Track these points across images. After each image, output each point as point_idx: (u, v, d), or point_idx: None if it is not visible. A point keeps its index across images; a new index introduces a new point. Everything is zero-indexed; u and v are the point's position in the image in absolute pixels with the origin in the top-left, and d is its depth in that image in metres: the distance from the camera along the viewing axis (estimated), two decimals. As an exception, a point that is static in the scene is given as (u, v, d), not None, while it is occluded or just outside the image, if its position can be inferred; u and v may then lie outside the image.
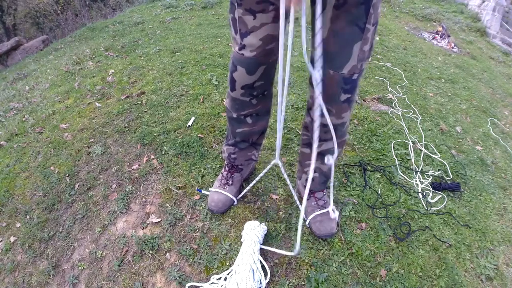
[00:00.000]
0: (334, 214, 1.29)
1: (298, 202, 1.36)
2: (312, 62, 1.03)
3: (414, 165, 1.80)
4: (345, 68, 0.96)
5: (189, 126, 1.90)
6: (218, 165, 1.63)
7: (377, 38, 3.53)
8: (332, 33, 0.92)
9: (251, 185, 1.32)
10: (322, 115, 1.09)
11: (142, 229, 1.40)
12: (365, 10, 0.88)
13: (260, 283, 1.15)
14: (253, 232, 1.23)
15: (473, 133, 2.26)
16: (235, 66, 1.08)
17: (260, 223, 1.29)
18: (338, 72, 0.97)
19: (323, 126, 1.13)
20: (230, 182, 1.41)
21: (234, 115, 1.24)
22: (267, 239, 1.31)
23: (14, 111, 2.50)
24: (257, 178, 1.29)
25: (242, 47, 1.03)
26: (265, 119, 1.31)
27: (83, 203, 1.55)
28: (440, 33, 4.33)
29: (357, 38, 0.92)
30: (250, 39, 1.00)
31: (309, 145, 1.28)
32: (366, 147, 1.85)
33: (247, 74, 1.07)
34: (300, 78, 2.42)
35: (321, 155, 1.24)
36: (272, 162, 1.12)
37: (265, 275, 1.18)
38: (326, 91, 1.03)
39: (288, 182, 1.22)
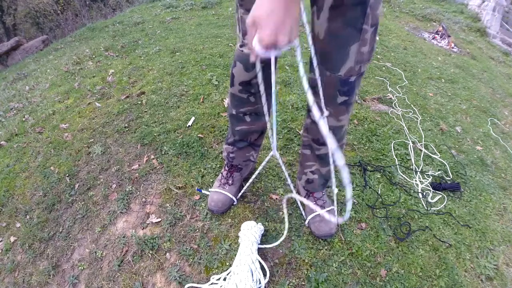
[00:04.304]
0: (334, 218, 1.29)
1: (297, 200, 1.36)
2: (311, 63, 1.03)
3: (414, 165, 1.80)
4: (342, 69, 0.96)
5: (189, 126, 1.90)
6: (218, 165, 1.63)
7: (377, 38, 3.53)
8: (329, 34, 0.92)
9: (250, 180, 1.32)
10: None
11: (142, 229, 1.40)
12: (361, 11, 0.86)
13: (259, 283, 1.14)
14: (250, 232, 1.23)
15: (473, 133, 2.26)
16: (235, 62, 1.11)
17: (257, 223, 1.29)
18: (334, 74, 0.97)
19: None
20: (230, 182, 1.41)
21: (234, 112, 1.26)
22: (267, 239, 1.31)
23: (14, 111, 2.50)
24: (256, 172, 1.29)
25: (243, 44, 1.06)
26: (264, 119, 1.31)
27: (83, 203, 1.55)
28: (440, 33, 4.33)
29: (354, 40, 0.91)
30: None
31: (309, 146, 1.28)
32: (366, 147, 1.85)
33: (245, 70, 1.09)
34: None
35: (320, 158, 1.24)
36: (270, 154, 1.12)
37: (264, 275, 1.18)
38: (324, 93, 1.03)
39: (285, 171, 1.21)
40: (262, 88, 0.95)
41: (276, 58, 0.82)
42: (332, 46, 0.93)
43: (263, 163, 1.22)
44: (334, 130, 1.12)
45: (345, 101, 1.03)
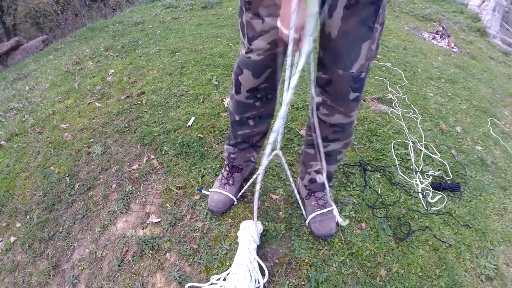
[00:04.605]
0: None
1: (298, 198, 1.36)
2: (320, 62, 1.03)
3: (414, 165, 1.80)
4: (354, 67, 0.97)
5: (189, 126, 1.90)
6: (218, 165, 1.63)
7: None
8: (342, 33, 0.93)
9: (251, 180, 1.31)
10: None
11: (142, 229, 1.40)
12: (374, 10, 0.89)
13: (258, 282, 1.14)
14: (247, 231, 1.23)
15: (473, 133, 2.26)
16: (241, 69, 1.08)
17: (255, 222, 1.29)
18: (347, 71, 0.97)
19: (331, 125, 1.13)
20: (231, 182, 1.41)
21: (237, 118, 1.24)
22: (267, 239, 1.31)
23: (14, 111, 2.50)
24: (258, 171, 1.29)
25: (250, 50, 1.03)
26: (267, 122, 1.30)
27: (83, 203, 1.55)
28: (440, 33, 4.33)
29: (366, 38, 0.93)
30: (258, 43, 1.00)
31: (313, 145, 1.27)
32: (366, 147, 1.85)
33: (253, 77, 1.07)
34: (301, 78, 2.42)
35: (327, 155, 1.24)
36: (273, 153, 1.12)
37: (263, 274, 1.18)
38: (336, 91, 1.03)
39: (287, 169, 1.20)
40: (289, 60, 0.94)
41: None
42: (346, 45, 0.94)
43: (265, 164, 1.21)
44: (344, 127, 1.12)
45: (356, 97, 1.04)
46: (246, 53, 1.04)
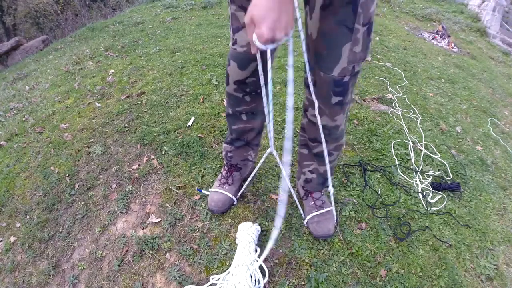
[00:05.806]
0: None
1: (296, 199, 1.36)
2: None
3: (414, 165, 1.80)
4: (335, 70, 0.94)
5: (189, 126, 1.91)
6: (218, 165, 1.63)
7: (377, 38, 3.53)
8: (321, 34, 0.91)
9: (249, 179, 1.32)
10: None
11: (142, 229, 1.40)
12: (352, 10, 0.85)
13: (259, 283, 1.14)
14: (246, 233, 1.23)
15: (473, 133, 2.26)
16: (229, 61, 1.10)
17: (254, 224, 1.29)
18: (328, 74, 0.96)
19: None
20: (230, 181, 1.41)
21: (230, 111, 1.25)
22: (267, 239, 1.31)
23: (14, 111, 2.50)
24: (255, 171, 1.29)
25: (235, 42, 1.04)
26: (260, 118, 1.30)
27: (83, 203, 1.55)
28: (440, 33, 4.33)
29: (346, 39, 0.89)
30: (241, 34, 1.01)
31: (306, 145, 1.28)
32: (366, 147, 1.85)
33: (239, 69, 1.08)
34: (300, 78, 2.42)
35: (318, 156, 1.24)
36: (267, 151, 1.12)
37: (263, 275, 1.18)
38: (319, 92, 1.03)
39: (283, 169, 1.20)
40: (262, 80, 0.94)
41: (273, 52, 0.84)
42: (325, 46, 0.93)
43: (261, 161, 1.23)
44: (330, 130, 1.11)
45: (339, 101, 1.02)
46: (233, 44, 1.06)
